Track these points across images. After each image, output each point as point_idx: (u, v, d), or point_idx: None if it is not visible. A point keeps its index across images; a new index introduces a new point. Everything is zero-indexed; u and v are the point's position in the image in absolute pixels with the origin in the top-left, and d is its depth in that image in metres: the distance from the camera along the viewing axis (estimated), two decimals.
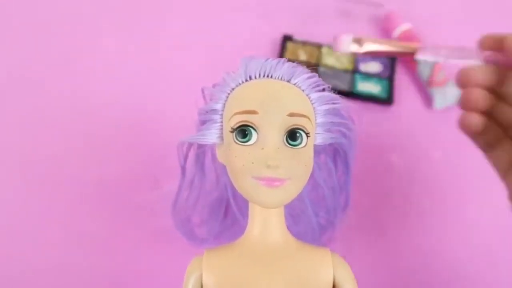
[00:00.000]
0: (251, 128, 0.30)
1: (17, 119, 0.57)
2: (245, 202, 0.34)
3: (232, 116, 0.31)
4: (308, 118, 0.31)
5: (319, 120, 0.33)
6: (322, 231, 0.44)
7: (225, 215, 0.44)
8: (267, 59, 0.32)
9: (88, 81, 0.61)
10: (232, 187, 0.40)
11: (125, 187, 0.53)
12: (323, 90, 0.33)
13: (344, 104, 0.35)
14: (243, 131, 0.30)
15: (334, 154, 0.38)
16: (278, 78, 0.32)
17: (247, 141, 0.30)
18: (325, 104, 0.33)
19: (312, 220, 0.42)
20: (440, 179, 0.55)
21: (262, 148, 0.30)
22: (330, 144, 0.36)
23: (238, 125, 0.30)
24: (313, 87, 0.32)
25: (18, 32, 0.65)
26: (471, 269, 0.50)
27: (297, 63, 0.33)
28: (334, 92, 0.34)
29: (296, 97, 0.31)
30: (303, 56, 0.63)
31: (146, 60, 0.62)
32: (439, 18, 0.67)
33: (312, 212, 0.42)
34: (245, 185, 0.30)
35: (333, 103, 0.33)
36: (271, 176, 0.29)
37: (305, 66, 0.33)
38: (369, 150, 0.56)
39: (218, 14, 0.67)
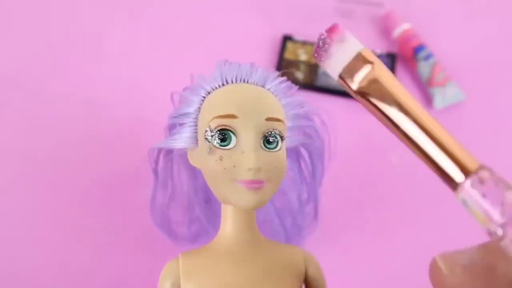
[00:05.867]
0: (230, 132, 0.30)
1: (16, 119, 0.58)
2: (217, 205, 0.35)
3: (211, 120, 0.31)
4: (283, 122, 0.32)
5: (289, 124, 0.34)
6: (289, 235, 0.44)
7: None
8: (240, 64, 0.33)
9: (89, 81, 0.61)
10: (201, 190, 0.41)
11: (125, 186, 0.53)
12: (292, 92, 0.34)
13: (313, 106, 0.35)
14: (223, 135, 0.30)
15: (298, 158, 0.38)
16: (253, 83, 0.33)
17: (226, 145, 0.30)
18: (293, 109, 0.34)
19: (276, 224, 0.42)
20: (440, 179, 0.55)
21: (243, 152, 0.30)
22: (292, 149, 0.37)
23: (217, 129, 0.30)
24: (284, 92, 0.33)
25: (18, 32, 0.65)
26: None
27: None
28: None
29: (272, 102, 0.32)
30: (303, 56, 0.63)
31: (146, 60, 0.63)
32: (439, 18, 0.67)
33: (277, 217, 0.42)
34: (226, 188, 0.30)
35: (301, 107, 0.34)
36: (252, 179, 0.30)
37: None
38: (369, 150, 0.56)
39: (218, 14, 0.67)
